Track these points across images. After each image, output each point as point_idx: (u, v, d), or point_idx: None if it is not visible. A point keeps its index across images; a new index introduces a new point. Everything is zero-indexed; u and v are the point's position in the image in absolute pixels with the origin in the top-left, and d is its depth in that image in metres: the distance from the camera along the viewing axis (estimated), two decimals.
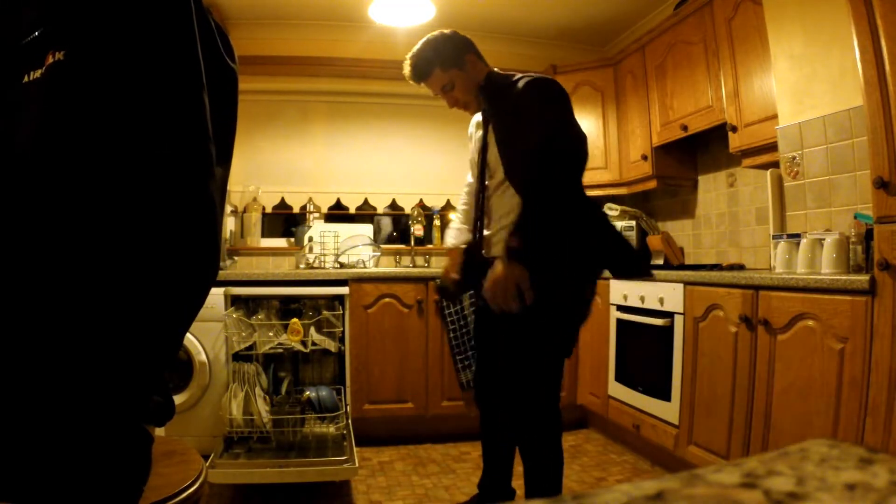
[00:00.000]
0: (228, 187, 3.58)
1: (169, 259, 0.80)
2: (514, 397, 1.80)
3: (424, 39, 1.88)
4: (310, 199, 3.86)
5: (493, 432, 2.04)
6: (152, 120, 0.77)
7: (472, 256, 1.96)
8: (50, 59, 0.76)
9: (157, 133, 0.77)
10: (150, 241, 0.78)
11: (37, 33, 0.79)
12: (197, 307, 0.88)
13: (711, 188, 3.20)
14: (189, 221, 0.80)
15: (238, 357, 2.61)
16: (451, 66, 1.85)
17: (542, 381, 1.79)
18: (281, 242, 3.81)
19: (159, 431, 1.10)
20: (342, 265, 3.42)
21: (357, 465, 2.25)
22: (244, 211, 3.72)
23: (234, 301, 2.77)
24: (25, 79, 0.78)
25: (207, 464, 2.02)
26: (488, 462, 2.06)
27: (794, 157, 2.25)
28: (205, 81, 0.81)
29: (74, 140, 0.75)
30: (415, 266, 3.78)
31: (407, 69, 1.89)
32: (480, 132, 1.95)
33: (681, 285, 2.40)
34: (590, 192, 3.52)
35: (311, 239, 3.56)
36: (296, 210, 3.87)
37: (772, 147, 2.38)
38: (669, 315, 2.45)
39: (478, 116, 2.01)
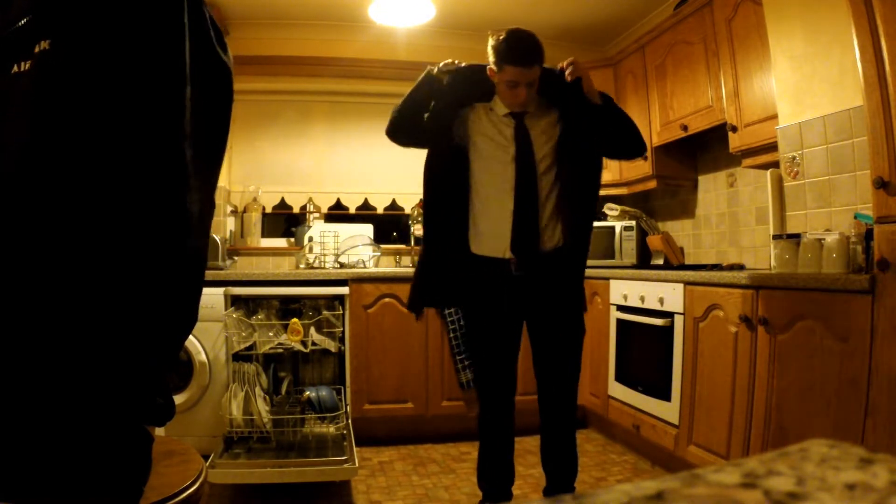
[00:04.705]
0: (229, 187, 3.57)
1: (151, 265, 0.79)
2: (569, 393, 1.99)
3: (534, 35, 1.86)
4: (310, 199, 3.86)
5: (509, 434, 2.04)
6: (128, 123, 0.76)
7: (497, 265, 1.93)
8: (37, 49, 0.75)
9: (130, 136, 0.76)
10: (129, 246, 0.77)
11: (25, 21, 0.78)
12: (188, 306, 0.88)
13: (711, 188, 3.20)
14: (163, 227, 0.79)
15: (238, 357, 2.60)
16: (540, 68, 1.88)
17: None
18: (281, 242, 3.81)
19: (159, 431, 1.10)
20: (342, 265, 3.42)
21: (357, 465, 2.25)
22: (244, 211, 3.72)
23: (234, 301, 2.77)
24: (15, 69, 0.77)
25: (207, 464, 2.01)
26: (505, 466, 2.04)
27: (794, 157, 2.25)
28: (188, 79, 0.79)
29: (57, 138, 0.74)
30: (415, 266, 3.78)
31: (531, 52, 1.83)
32: (510, 129, 1.93)
33: (681, 285, 2.40)
34: None
35: (311, 239, 3.56)
36: (296, 210, 3.87)
37: (772, 147, 2.38)
38: (669, 315, 2.45)
39: (480, 108, 2.00)
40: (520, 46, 1.83)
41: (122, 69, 0.75)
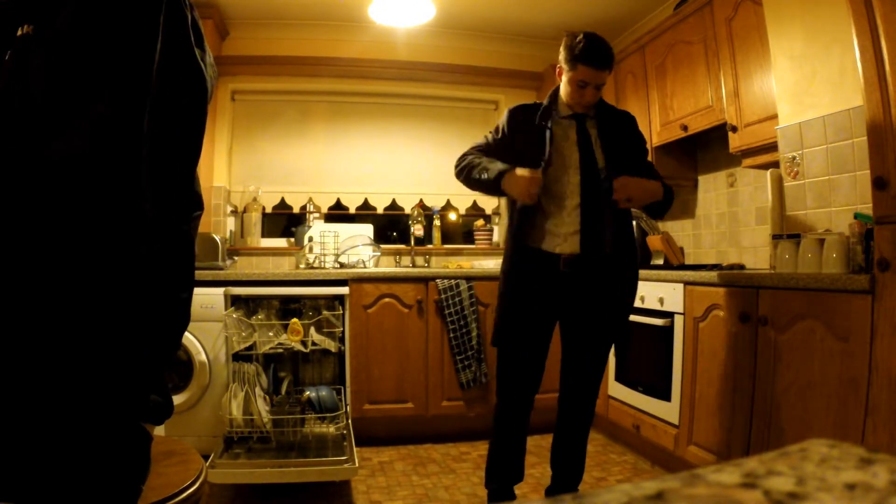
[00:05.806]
0: (229, 187, 3.56)
1: (130, 264, 0.79)
2: (591, 396, 2.05)
3: (608, 43, 1.92)
4: (310, 199, 3.86)
5: (524, 434, 2.07)
6: (90, 117, 0.76)
7: (551, 262, 1.93)
8: (20, 32, 0.76)
9: (91, 132, 0.77)
10: (107, 245, 0.78)
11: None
12: (181, 304, 0.88)
13: (711, 188, 3.20)
14: (120, 228, 0.79)
15: (238, 357, 2.60)
16: None
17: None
18: (281, 242, 3.81)
19: (159, 431, 1.10)
20: (342, 265, 3.42)
21: (357, 465, 2.25)
22: (244, 211, 3.72)
23: (234, 301, 2.77)
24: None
25: (207, 464, 2.01)
26: (515, 466, 2.07)
27: (794, 157, 2.25)
28: (153, 81, 0.80)
29: (29, 124, 0.75)
30: (415, 266, 3.79)
31: (606, 56, 1.91)
32: (573, 131, 1.98)
33: (681, 285, 2.40)
34: None
35: (311, 239, 3.56)
36: (296, 210, 3.87)
37: (772, 147, 2.38)
38: (669, 315, 2.45)
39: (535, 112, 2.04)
40: (597, 49, 1.89)
41: (91, 62, 0.76)
